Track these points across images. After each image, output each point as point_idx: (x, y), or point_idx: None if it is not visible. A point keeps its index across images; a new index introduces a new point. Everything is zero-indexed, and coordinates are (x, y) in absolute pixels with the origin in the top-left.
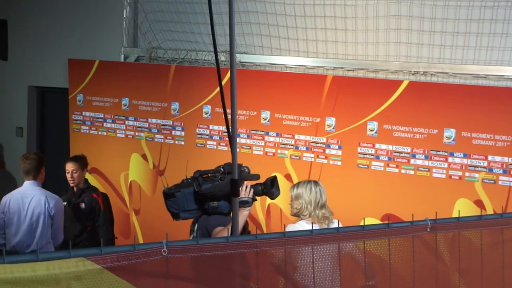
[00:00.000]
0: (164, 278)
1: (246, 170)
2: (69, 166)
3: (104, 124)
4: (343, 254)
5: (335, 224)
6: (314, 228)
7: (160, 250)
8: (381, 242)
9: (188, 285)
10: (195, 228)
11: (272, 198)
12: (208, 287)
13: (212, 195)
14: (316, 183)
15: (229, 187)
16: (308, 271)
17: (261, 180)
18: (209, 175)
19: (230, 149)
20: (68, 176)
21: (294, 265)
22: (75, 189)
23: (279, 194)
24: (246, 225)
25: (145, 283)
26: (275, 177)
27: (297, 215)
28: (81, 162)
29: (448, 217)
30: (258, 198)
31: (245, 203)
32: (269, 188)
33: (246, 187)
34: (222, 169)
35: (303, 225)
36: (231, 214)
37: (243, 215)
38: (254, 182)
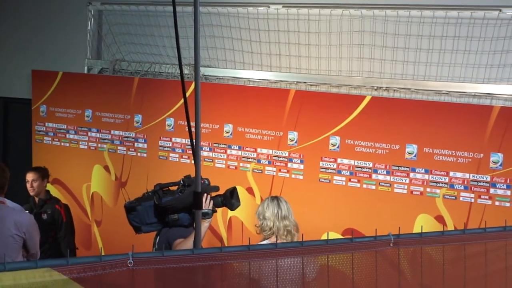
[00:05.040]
0: None
1: (206, 182)
2: (29, 176)
3: (67, 135)
4: (306, 268)
5: None
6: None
7: (126, 261)
8: (344, 257)
9: None
10: (157, 240)
11: (232, 209)
12: None
13: (172, 208)
14: (275, 197)
15: (189, 199)
16: (272, 284)
17: (221, 192)
18: (169, 188)
19: (192, 162)
20: (28, 185)
21: (259, 278)
22: (36, 199)
23: (239, 205)
24: None
25: None
26: (234, 188)
27: (262, 232)
28: (41, 172)
29: (411, 233)
30: (218, 210)
31: (205, 215)
32: (229, 199)
33: (206, 199)
34: (182, 182)
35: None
36: (193, 226)
37: (203, 226)
38: (213, 194)
